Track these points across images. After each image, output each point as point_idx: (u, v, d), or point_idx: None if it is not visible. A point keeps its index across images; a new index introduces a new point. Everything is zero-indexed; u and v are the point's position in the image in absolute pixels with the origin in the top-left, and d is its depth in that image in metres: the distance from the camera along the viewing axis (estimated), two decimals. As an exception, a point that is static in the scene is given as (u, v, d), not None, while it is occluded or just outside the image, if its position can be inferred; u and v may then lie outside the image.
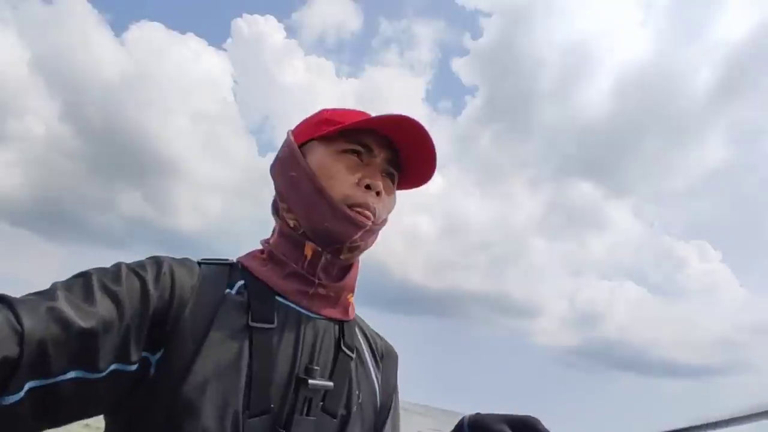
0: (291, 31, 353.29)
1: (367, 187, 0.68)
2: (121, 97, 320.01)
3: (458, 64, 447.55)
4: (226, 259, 0.70)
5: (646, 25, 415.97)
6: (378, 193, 0.68)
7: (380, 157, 0.70)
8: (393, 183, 0.73)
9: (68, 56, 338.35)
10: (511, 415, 0.62)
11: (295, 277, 0.67)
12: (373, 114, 0.69)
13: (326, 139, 0.69)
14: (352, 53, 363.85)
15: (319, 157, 0.69)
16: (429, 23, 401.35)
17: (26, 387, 0.48)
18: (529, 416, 0.61)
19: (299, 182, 0.69)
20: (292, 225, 0.70)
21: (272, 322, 0.63)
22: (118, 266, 0.58)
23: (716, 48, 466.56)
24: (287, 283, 0.66)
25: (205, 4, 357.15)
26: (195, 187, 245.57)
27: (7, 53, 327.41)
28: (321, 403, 0.63)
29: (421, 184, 0.76)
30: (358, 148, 0.69)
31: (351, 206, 0.67)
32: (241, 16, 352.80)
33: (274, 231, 0.73)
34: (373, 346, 0.77)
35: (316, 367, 0.63)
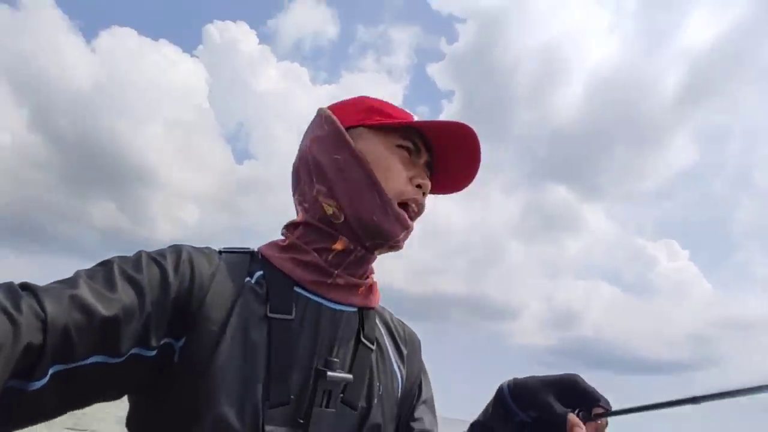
0: (265, 38, 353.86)
1: (418, 186, 0.68)
2: (93, 104, 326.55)
3: (434, 69, 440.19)
4: (247, 248, 0.69)
5: (615, 31, 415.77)
6: (424, 194, 0.69)
7: (424, 158, 0.70)
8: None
9: (36, 63, 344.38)
10: (551, 377, 0.62)
11: (313, 267, 0.65)
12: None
13: (380, 129, 0.68)
14: (329, 60, 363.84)
15: (372, 146, 0.67)
16: (405, 29, 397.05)
17: (50, 372, 0.48)
18: (570, 375, 0.62)
19: (348, 168, 0.66)
20: (330, 212, 0.66)
21: (290, 314, 0.62)
22: (139, 254, 0.59)
23: (682, 54, 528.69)
24: (305, 273, 0.65)
25: (177, 10, 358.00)
26: (171, 196, 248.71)
27: None
28: (341, 395, 0.62)
29: (450, 192, 0.76)
30: (411, 146, 0.68)
31: (402, 203, 0.67)
32: (212, 22, 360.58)
33: (300, 218, 0.70)
34: (396, 336, 0.76)
35: (335, 359, 0.62)
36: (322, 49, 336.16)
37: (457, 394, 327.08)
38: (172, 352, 0.57)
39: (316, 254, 0.66)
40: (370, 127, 0.68)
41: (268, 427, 0.56)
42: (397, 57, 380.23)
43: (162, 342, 0.56)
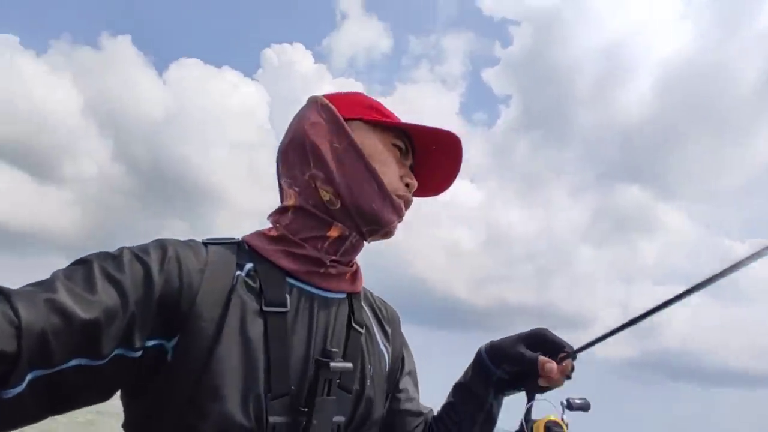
0: (320, 57, 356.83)
1: (407, 185, 0.72)
2: (165, 133, 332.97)
3: (489, 75, 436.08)
4: (232, 239, 0.67)
5: (686, 19, 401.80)
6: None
7: (410, 161, 0.74)
8: None
9: (117, 98, 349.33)
10: (522, 333, 0.70)
11: (304, 257, 0.65)
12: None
13: (377, 126, 0.71)
14: (383, 73, 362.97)
15: (370, 140, 0.69)
16: (458, 36, 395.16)
17: (28, 378, 0.46)
18: (539, 327, 0.69)
19: (347, 156, 0.67)
20: (326, 198, 0.67)
21: (285, 306, 0.62)
22: (121, 251, 0.56)
23: (764, 37, 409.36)
24: (297, 264, 0.65)
25: (237, 37, 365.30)
26: (237, 213, 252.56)
27: (63, 100, 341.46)
28: (338, 381, 0.63)
29: (427, 195, 0.80)
30: (402, 146, 0.72)
31: (399, 197, 0.70)
32: (269, 46, 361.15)
33: (284, 206, 0.70)
34: (380, 315, 0.79)
35: (334, 349, 0.63)
36: (376, 62, 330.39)
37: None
38: (164, 351, 0.56)
39: (309, 247, 0.66)
40: (368, 122, 0.70)
41: (271, 418, 0.57)
42: (450, 65, 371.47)
43: (149, 342, 0.54)
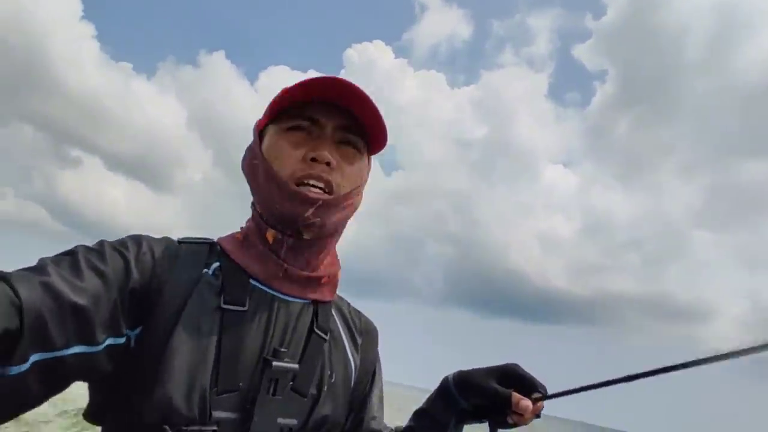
0: (401, 51, 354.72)
1: (314, 159, 0.66)
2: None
3: (581, 51, 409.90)
4: (207, 239, 0.71)
5: None
6: (328, 164, 0.67)
7: (330, 126, 0.68)
8: (356, 147, 0.71)
9: (216, 109, 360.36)
10: (493, 366, 0.68)
11: (264, 259, 0.68)
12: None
13: (274, 120, 0.70)
14: (467, 61, 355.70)
15: (269, 140, 0.69)
16: (543, 13, 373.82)
17: (31, 359, 0.49)
18: (510, 363, 0.67)
19: (257, 169, 0.69)
20: (259, 211, 0.71)
21: (244, 305, 0.64)
22: (101, 244, 0.61)
23: None
24: (259, 266, 0.68)
25: (319, 41, 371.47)
26: None
27: (170, 116, 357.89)
28: (291, 383, 0.65)
29: (380, 148, 0.73)
30: (302, 123, 0.68)
31: (299, 183, 0.66)
32: (351, 46, 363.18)
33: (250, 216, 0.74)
34: (352, 325, 0.78)
35: (283, 350, 0.64)
36: (458, 51, 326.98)
37: (644, 412, 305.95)
38: (129, 340, 0.59)
39: (261, 246, 0.69)
40: (271, 121, 0.70)
41: (215, 413, 0.59)
42: (537, 45, 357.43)
43: (126, 330, 0.58)
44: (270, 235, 0.68)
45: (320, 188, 0.67)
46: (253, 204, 0.73)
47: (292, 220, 0.67)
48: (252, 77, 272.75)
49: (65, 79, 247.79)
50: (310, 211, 0.66)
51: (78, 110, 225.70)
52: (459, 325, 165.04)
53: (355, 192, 0.71)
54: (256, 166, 0.69)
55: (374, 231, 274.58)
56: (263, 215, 0.69)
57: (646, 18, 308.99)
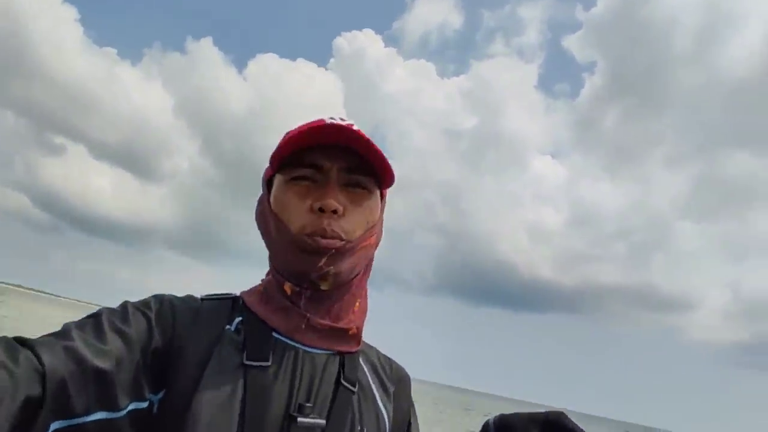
0: (391, 40, 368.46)
1: (320, 210, 0.64)
2: (248, 127, 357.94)
3: (571, 41, 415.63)
4: (230, 294, 0.69)
5: None
6: (335, 211, 0.65)
7: (334, 170, 0.65)
8: (365, 188, 0.66)
9: (203, 97, 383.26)
10: (536, 413, 0.62)
11: (286, 311, 0.66)
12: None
13: (279, 170, 0.66)
14: (456, 51, 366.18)
15: (276, 191, 0.66)
16: (534, 3, 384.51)
17: (51, 428, 0.50)
18: (554, 411, 0.62)
19: (268, 223, 0.66)
20: (275, 265, 0.67)
21: (267, 360, 0.63)
22: (124, 305, 0.61)
23: None
24: (280, 319, 0.65)
25: (308, 29, 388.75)
26: None
27: (156, 103, 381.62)
28: None
29: (388, 185, 0.68)
30: (306, 172, 0.65)
31: (310, 235, 0.64)
32: (340, 35, 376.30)
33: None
34: (382, 374, 0.73)
35: (308, 404, 0.62)
36: (448, 41, 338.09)
37: (628, 397, 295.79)
38: (152, 404, 0.58)
39: (281, 298, 0.66)
40: (277, 171, 0.66)
41: None
42: (528, 35, 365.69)
43: (149, 394, 0.58)
44: (288, 287, 0.66)
45: (331, 237, 0.65)
46: (270, 257, 0.69)
47: (305, 273, 0.65)
48: (240, 65, 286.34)
49: (47, 64, 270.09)
50: (323, 261, 0.64)
51: (61, 96, 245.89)
52: (448, 313, 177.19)
53: (369, 233, 0.66)
54: (267, 219, 0.66)
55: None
56: (279, 269, 0.66)
57: (636, 10, 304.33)
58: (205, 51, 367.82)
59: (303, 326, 0.66)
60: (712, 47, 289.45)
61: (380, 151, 0.65)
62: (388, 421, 0.71)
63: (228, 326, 0.64)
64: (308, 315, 0.66)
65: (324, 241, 0.64)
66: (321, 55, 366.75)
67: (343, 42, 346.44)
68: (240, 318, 0.65)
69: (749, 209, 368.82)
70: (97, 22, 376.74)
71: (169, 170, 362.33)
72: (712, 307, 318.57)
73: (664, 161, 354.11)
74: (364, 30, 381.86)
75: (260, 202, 0.69)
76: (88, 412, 0.52)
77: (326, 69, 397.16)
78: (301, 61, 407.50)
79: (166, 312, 0.62)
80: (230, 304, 0.67)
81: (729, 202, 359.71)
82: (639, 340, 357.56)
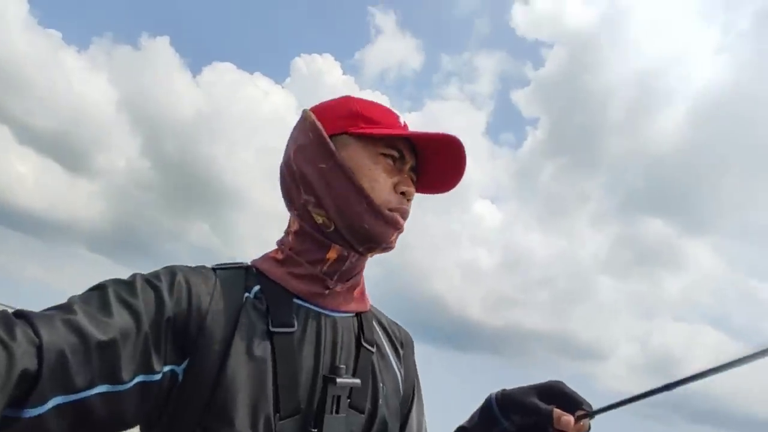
0: (351, 69, 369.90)
1: (402, 193, 0.68)
2: (194, 133, 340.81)
3: (519, 96, 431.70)
4: (240, 263, 0.68)
5: (724, 52, 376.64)
6: (408, 200, 0.69)
7: (409, 164, 0.70)
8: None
9: (152, 96, 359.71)
10: (537, 384, 0.65)
11: (309, 278, 0.66)
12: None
13: (363, 137, 0.67)
14: (413, 88, 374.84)
15: (356, 155, 0.66)
16: (490, 55, 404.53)
17: (51, 403, 0.46)
18: (554, 380, 0.65)
19: (333, 177, 0.65)
20: (320, 222, 0.66)
21: (292, 326, 0.63)
22: (133, 277, 0.58)
23: None
24: (303, 285, 0.66)
25: (270, 45, 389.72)
26: (259, 217, 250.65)
27: (98, 95, 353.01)
28: (348, 400, 0.63)
29: (436, 193, 0.77)
30: (395, 154, 0.68)
31: (392, 210, 0.67)
32: (299, 56, 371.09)
33: (288, 229, 0.71)
34: (392, 336, 0.77)
35: (341, 366, 0.63)
36: (406, 78, 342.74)
37: None
38: (175, 375, 0.56)
39: (310, 266, 0.66)
40: (354, 134, 0.67)
41: None
42: (480, 84, 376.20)
43: (165, 367, 0.55)
44: (335, 251, 0.66)
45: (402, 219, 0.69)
46: (304, 212, 0.68)
47: (378, 240, 0.66)
48: (195, 70, 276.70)
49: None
50: (395, 235, 0.68)
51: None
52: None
53: None
54: (330, 172, 0.65)
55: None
56: (332, 228, 0.66)
57: (579, 76, 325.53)
58: (160, 50, 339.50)
59: (326, 292, 0.67)
60: (640, 120, 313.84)
61: (458, 181, 0.73)
62: (402, 381, 0.74)
63: (247, 294, 0.63)
64: (330, 280, 0.67)
65: (402, 221, 0.68)
66: (279, 72, 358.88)
67: (302, 63, 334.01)
68: (258, 286, 0.65)
69: (659, 272, 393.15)
70: (46, 2, 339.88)
71: (102, 166, 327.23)
72: (622, 358, 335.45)
73: (590, 218, 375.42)
74: (324, 54, 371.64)
75: (323, 149, 0.66)
76: (90, 386, 0.48)
77: (282, 87, 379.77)
78: (258, 75, 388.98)
79: (180, 283, 0.59)
80: (244, 273, 0.66)
81: (642, 263, 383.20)
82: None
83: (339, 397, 0.61)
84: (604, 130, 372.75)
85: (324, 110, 0.70)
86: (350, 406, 0.63)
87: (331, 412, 0.60)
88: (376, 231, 0.65)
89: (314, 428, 0.59)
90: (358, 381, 0.63)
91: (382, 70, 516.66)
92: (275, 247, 0.72)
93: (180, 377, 0.56)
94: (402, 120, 0.71)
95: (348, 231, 0.65)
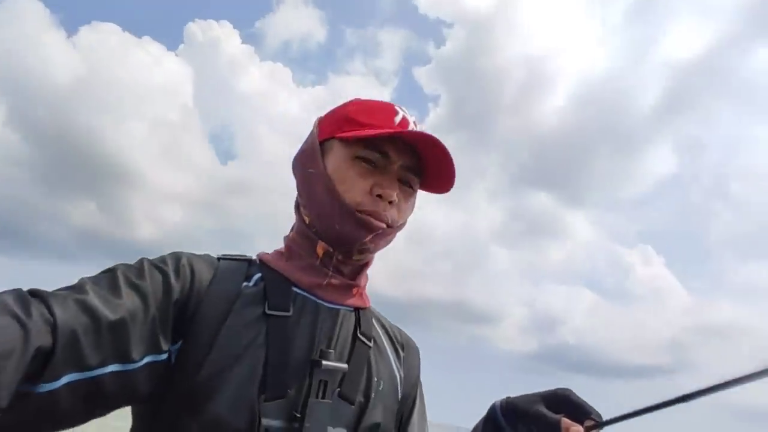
0: (251, 38, 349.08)
1: (379, 196, 0.67)
2: (73, 101, 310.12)
3: (421, 73, 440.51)
4: (246, 256, 0.71)
5: (602, 44, 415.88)
6: (391, 202, 0.67)
7: (398, 164, 0.68)
8: (412, 187, 0.71)
9: (16, 56, 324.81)
10: (543, 392, 0.63)
11: (309, 269, 0.68)
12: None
13: (344, 140, 0.68)
14: (317, 62, 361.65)
15: (335, 159, 0.68)
16: (394, 32, 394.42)
17: (64, 380, 0.48)
18: (561, 388, 0.63)
19: (315, 180, 0.69)
20: (307, 221, 0.71)
21: (288, 311, 0.64)
22: (141, 262, 0.61)
23: (664, 66, 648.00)
24: (302, 275, 0.68)
25: (161, 7, 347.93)
26: (153, 196, 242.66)
27: None
28: (338, 389, 0.63)
29: (439, 193, 0.76)
30: (374, 156, 0.67)
31: (362, 212, 0.66)
32: (194, 21, 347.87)
33: (293, 226, 0.75)
34: (393, 337, 0.78)
35: (330, 351, 0.63)
36: (310, 51, 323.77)
37: (439, 398, 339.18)
38: (171, 355, 0.58)
39: (307, 257, 0.69)
40: (338, 138, 0.69)
41: (264, 420, 0.57)
42: (384, 60, 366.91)
43: (172, 347, 0.58)
44: (321, 247, 0.69)
45: (379, 222, 0.67)
46: (299, 212, 0.72)
47: (349, 242, 0.67)
48: (71, 29, 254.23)
49: None
50: (369, 237, 0.67)
51: None
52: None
53: (403, 225, 0.73)
54: (314, 176, 0.69)
55: (203, 221, 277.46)
56: (315, 228, 0.69)
57: (476, 57, 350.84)
58: (27, 3, 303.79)
59: (324, 283, 0.68)
60: (529, 101, 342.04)
61: (453, 182, 0.71)
62: (401, 382, 0.73)
63: (246, 283, 0.66)
64: (330, 272, 0.69)
65: (375, 222, 0.66)
66: (171, 38, 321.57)
67: (197, 29, 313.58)
68: (259, 274, 0.67)
69: (545, 242, 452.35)
70: None
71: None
72: (512, 321, 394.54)
73: (486, 193, 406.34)
74: (221, 21, 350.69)
75: (308, 156, 0.71)
76: (102, 364, 0.51)
77: (176, 54, 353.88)
78: (147, 39, 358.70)
79: (185, 267, 0.62)
80: (246, 264, 0.69)
81: (530, 233, 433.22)
82: (452, 348, 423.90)
83: (326, 383, 0.62)
84: (499, 109, 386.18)
85: (327, 115, 0.74)
86: (340, 395, 0.63)
87: (317, 397, 0.60)
88: (346, 233, 0.67)
89: (299, 413, 0.59)
90: (345, 366, 0.64)
91: (285, 41, 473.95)
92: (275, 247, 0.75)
93: (173, 357, 0.58)
94: (400, 118, 0.69)
95: (324, 231, 0.69)
